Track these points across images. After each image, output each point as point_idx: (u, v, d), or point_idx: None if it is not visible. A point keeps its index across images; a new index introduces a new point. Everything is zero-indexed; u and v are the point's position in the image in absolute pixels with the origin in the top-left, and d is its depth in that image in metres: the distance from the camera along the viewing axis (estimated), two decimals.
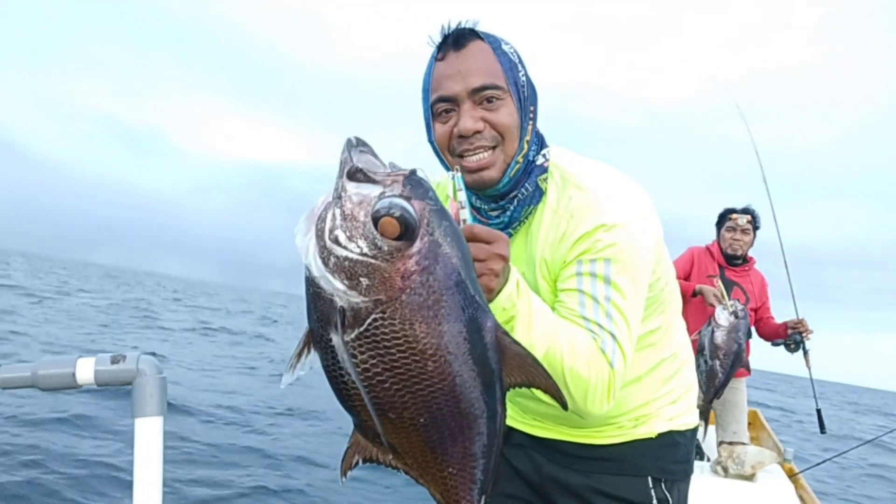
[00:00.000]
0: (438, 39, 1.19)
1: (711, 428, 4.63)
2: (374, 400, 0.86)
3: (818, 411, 4.39)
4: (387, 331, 0.83)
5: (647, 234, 1.18)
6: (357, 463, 0.98)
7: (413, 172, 0.86)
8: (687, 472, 1.44)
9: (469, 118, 1.14)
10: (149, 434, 1.09)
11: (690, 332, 4.33)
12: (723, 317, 3.76)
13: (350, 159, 0.85)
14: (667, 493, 1.38)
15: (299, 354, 0.89)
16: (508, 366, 0.91)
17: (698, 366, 3.87)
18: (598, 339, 1.12)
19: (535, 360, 0.92)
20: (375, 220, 0.80)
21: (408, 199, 0.82)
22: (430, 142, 1.21)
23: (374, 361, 0.84)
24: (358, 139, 0.88)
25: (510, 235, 1.26)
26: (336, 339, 0.84)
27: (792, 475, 4.17)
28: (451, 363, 0.85)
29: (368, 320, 0.82)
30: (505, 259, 0.99)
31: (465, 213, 1.07)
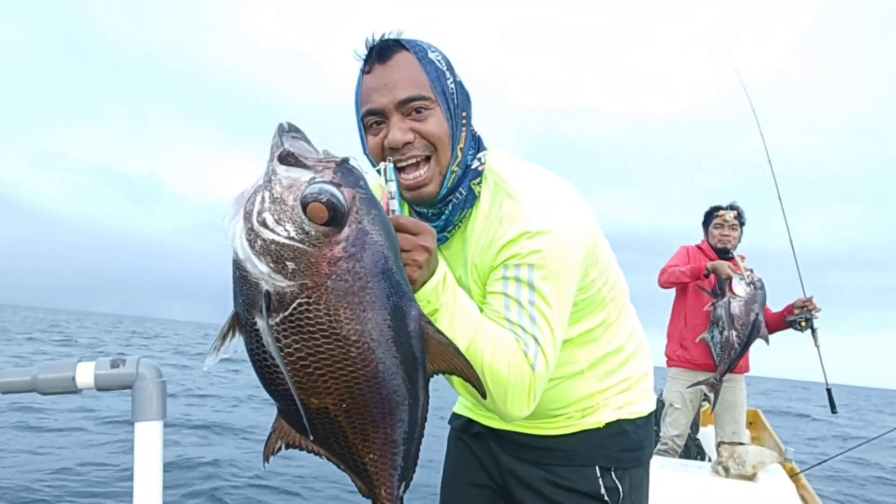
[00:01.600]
0: (364, 52, 1.19)
1: (711, 428, 4.62)
2: (297, 384, 0.87)
3: (828, 390, 4.27)
4: (311, 316, 0.83)
5: (572, 242, 1.18)
6: (280, 448, 0.98)
7: (345, 160, 0.86)
8: (639, 460, 1.45)
9: (398, 130, 1.14)
10: (149, 438, 1.09)
11: (691, 318, 4.31)
12: (740, 287, 3.76)
13: (281, 143, 0.85)
14: (617, 481, 1.39)
15: (224, 337, 0.89)
16: (431, 354, 0.93)
17: (712, 337, 3.86)
18: (520, 341, 1.13)
19: (456, 349, 0.94)
20: (304, 204, 0.81)
21: (338, 185, 0.83)
22: (366, 154, 1.22)
23: (297, 346, 0.84)
24: (290, 125, 0.88)
25: (447, 238, 1.28)
26: (261, 323, 0.84)
27: (793, 475, 4.16)
28: (375, 350, 0.86)
29: (293, 305, 0.83)
30: (429, 251, 1.01)
31: (395, 204, 1.08)
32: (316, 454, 0.98)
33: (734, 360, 3.82)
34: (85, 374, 1.07)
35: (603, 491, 1.38)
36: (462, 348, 1.07)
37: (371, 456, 0.95)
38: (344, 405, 0.89)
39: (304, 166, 0.84)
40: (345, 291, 0.83)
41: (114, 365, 1.09)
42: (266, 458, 0.98)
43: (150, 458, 1.08)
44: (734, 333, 3.75)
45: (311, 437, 0.95)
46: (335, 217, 0.81)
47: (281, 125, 0.87)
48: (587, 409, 1.40)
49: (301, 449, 0.98)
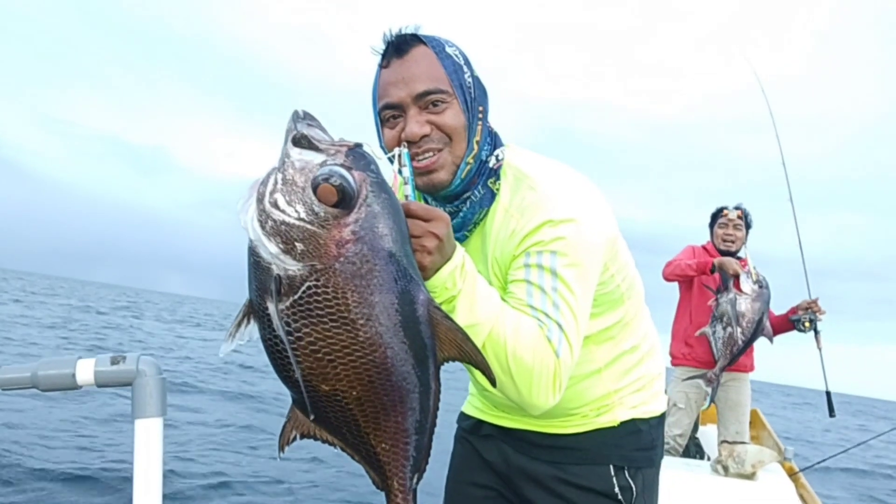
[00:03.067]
0: (382, 47, 1.19)
1: (713, 427, 4.62)
2: (307, 370, 0.87)
3: (827, 393, 4.26)
4: (320, 299, 0.84)
5: (595, 232, 1.18)
6: (295, 438, 0.98)
7: (358, 145, 0.88)
8: (652, 459, 1.44)
9: (415, 123, 1.14)
10: (149, 435, 1.08)
11: (696, 317, 4.26)
12: (747, 285, 3.77)
13: (295, 128, 0.87)
14: (630, 480, 1.39)
15: (238, 324, 0.90)
16: (441, 340, 0.93)
17: (713, 332, 3.86)
18: (544, 327, 1.11)
19: (465, 334, 0.94)
20: (315, 186, 0.82)
21: (349, 168, 0.84)
22: (382, 148, 1.22)
23: (307, 330, 0.85)
24: (305, 112, 0.89)
25: (465, 237, 1.28)
26: (272, 308, 0.85)
27: (792, 474, 4.17)
28: (383, 334, 0.87)
29: (303, 288, 0.84)
30: (439, 238, 1.00)
31: (408, 189, 1.09)
32: (330, 444, 0.98)
33: (735, 356, 3.82)
34: (85, 371, 1.06)
35: (617, 490, 1.38)
36: (483, 334, 1.06)
37: (383, 445, 0.95)
38: (354, 392, 0.89)
39: (317, 149, 0.86)
40: (352, 274, 0.84)
41: (114, 362, 1.08)
42: (281, 448, 0.98)
43: (150, 455, 1.08)
44: (739, 330, 3.76)
45: (312, 418, 0.94)
46: (344, 199, 0.82)
47: (296, 112, 0.89)
48: (602, 408, 1.39)
49: (316, 439, 0.98)
